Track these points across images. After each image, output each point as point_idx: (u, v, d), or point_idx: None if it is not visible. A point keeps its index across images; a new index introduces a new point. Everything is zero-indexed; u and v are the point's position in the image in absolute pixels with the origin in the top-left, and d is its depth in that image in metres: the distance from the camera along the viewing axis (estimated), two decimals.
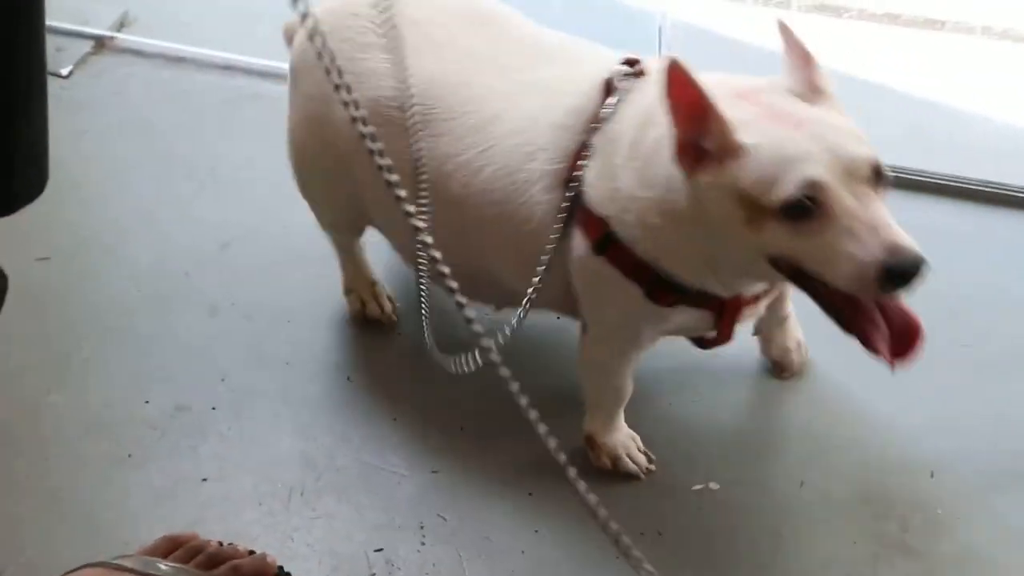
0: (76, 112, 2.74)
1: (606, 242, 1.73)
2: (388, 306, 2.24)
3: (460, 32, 1.89)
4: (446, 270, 1.20)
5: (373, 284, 2.25)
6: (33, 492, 1.97)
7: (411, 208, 1.19)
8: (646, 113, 1.68)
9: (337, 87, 1.19)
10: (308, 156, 2.04)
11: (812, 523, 1.95)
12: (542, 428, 1.19)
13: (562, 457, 1.23)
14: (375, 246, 2.22)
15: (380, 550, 1.91)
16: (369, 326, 2.24)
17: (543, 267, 1.76)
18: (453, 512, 1.96)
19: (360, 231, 2.17)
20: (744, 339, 2.14)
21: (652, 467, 2.03)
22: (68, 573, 1.62)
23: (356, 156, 1.88)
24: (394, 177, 1.18)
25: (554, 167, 1.76)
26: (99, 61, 2.91)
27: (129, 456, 2.03)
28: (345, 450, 2.05)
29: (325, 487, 1.99)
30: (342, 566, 1.88)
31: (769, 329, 2.15)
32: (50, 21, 2.85)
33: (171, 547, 1.71)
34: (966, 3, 3.02)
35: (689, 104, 1.56)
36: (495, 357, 1.16)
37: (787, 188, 1.54)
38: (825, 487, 2.00)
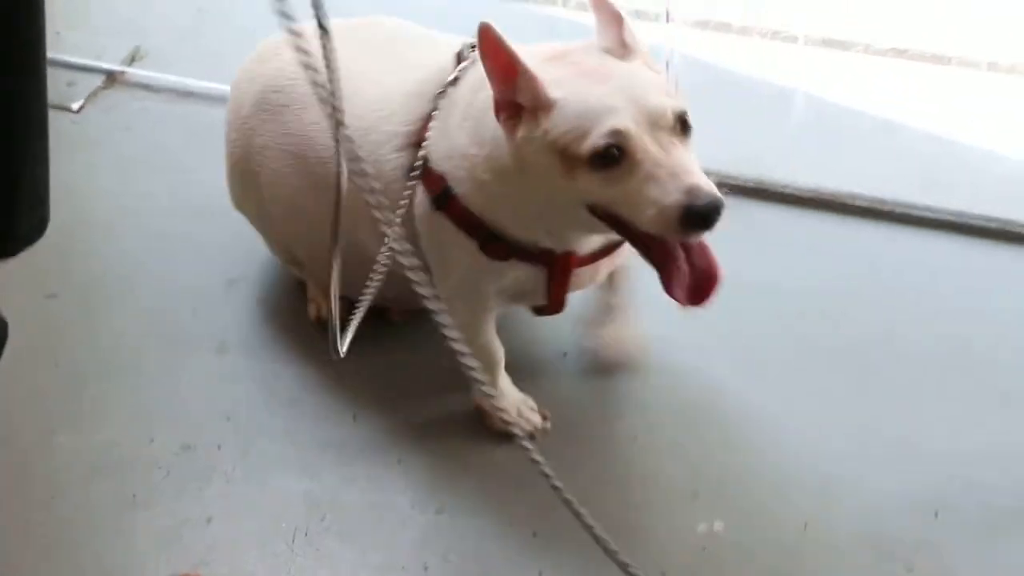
0: (86, 147, 2.74)
1: (444, 197, 1.85)
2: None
3: (360, 41, 2.05)
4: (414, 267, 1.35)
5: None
6: (40, 534, 1.96)
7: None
8: (480, 78, 1.78)
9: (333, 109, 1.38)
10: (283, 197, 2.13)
11: (817, 566, 1.93)
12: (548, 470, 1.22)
13: (573, 501, 1.26)
14: None
15: None
16: (376, 366, 2.22)
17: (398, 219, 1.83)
18: (457, 553, 1.95)
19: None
20: (760, 388, 2.14)
21: (548, 425, 2.10)
22: None
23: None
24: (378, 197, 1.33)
25: (404, 128, 1.91)
26: (110, 96, 2.92)
27: (134, 496, 2.02)
28: (350, 490, 2.03)
29: (330, 527, 1.98)
30: None
31: (599, 316, 2.20)
32: (61, 55, 2.90)
33: None
34: (972, 38, 3.01)
35: (502, 65, 1.69)
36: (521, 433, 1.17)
37: (594, 138, 1.66)
38: (829, 528, 1.98)
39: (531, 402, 2.13)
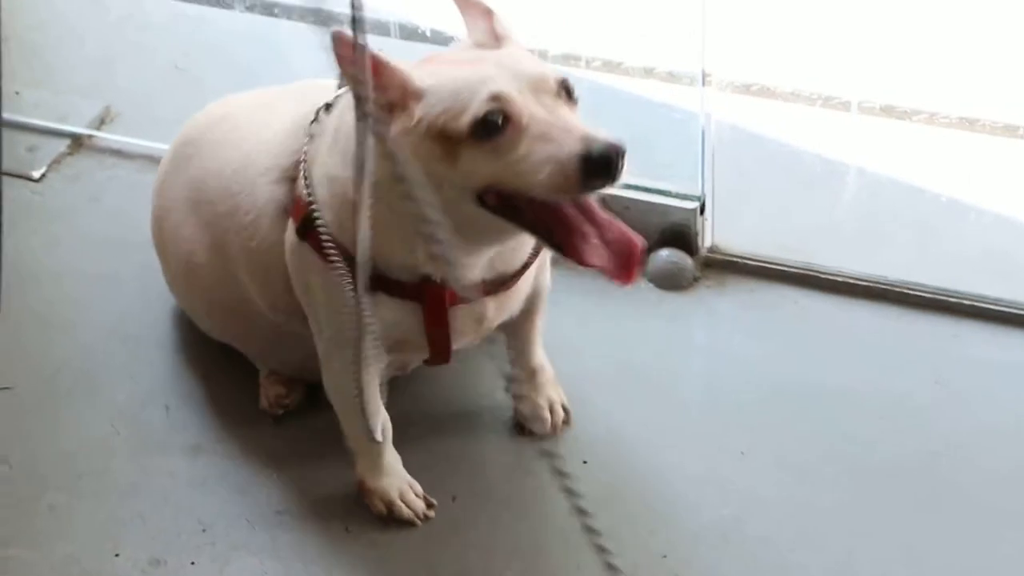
0: (48, 220, 2.79)
1: (306, 225, 1.97)
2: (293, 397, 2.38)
3: (288, 95, 2.26)
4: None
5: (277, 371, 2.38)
6: None
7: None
8: (347, 100, 1.91)
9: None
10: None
11: None
12: None
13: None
14: None
15: None
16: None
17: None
18: None
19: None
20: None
21: (431, 513, 2.21)
22: None
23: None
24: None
25: (280, 161, 2.07)
26: (76, 162, 2.97)
27: None
28: None
29: None
30: None
31: (520, 384, 2.32)
32: (23, 117, 2.96)
33: None
34: None
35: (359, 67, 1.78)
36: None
37: (473, 108, 1.78)
38: None
39: (418, 487, 2.23)
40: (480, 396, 2.42)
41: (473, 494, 2.25)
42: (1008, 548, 2.16)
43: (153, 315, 2.58)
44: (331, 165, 1.96)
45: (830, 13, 3.09)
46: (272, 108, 2.20)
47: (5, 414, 2.38)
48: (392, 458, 2.22)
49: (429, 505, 2.22)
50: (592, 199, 1.84)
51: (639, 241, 1.85)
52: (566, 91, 1.84)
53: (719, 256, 2.67)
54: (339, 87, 2.03)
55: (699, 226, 2.65)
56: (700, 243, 2.66)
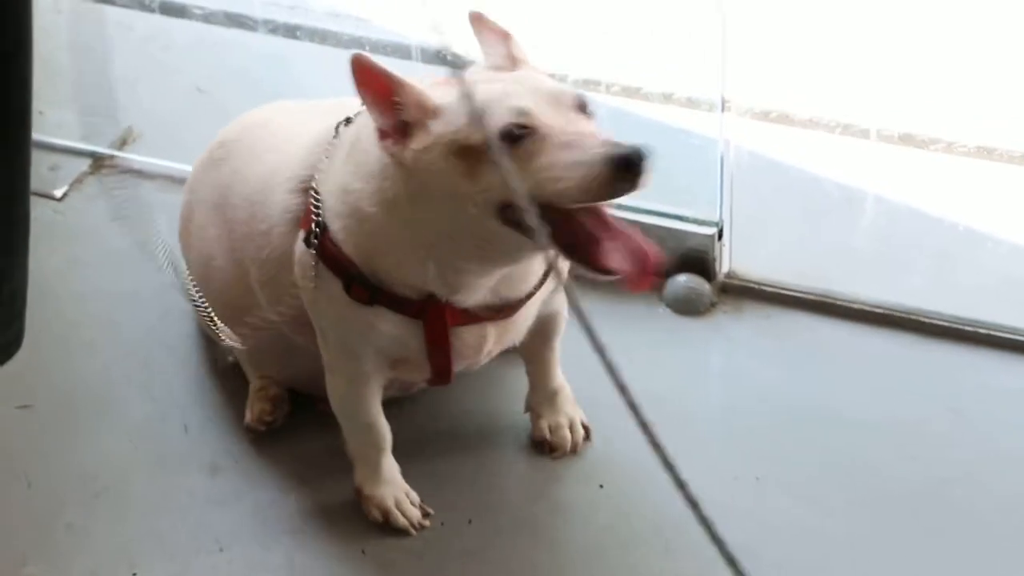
0: (69, 240, 2.81)
1: (314, 233, 2.01)
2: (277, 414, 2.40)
3: (320, 111, 2.28)
4: None
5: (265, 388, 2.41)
6: None
7: None
8: (365, 115, 1.97)
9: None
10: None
11: None
12: None
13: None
14: None
15: None
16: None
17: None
18: None
19: None
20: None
21: (427, 523, 2.25)
22: None
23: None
24: None
25: (297, 172, 2.10)
26: (97, 182, 2.99)
27: None
28: None
29: None
30: None
31: (538, 405, 2.35)
32: (45, 137, 2.99)
33: None
34: None
35: (379, 88, 1.87)
36: None
37: (496, 120, 1.81)
38: None
39: (414, 496, 2.26)
40: (496, 415, 2.43)
41: (489, 517, 2.26)
42: None
43: (173, 334, 2.59)
44: (344, 176, 2.00)
45: (850, 41, 3.10)
46: (305, 121, 2.24)
47: (25, 432, 2.40)
48: (390, 467, 2.25)
49: (425, 515, 2.25)
50: (607, 210, 1.88)
51: (654, 248, 1.89)
52: (582, 107, 1.88)
53: (736, 282, 2.68)
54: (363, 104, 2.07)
55: (717, 252, 2.66)
56: (718, 269, 2.67)
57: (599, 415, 2.38)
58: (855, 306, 2.63)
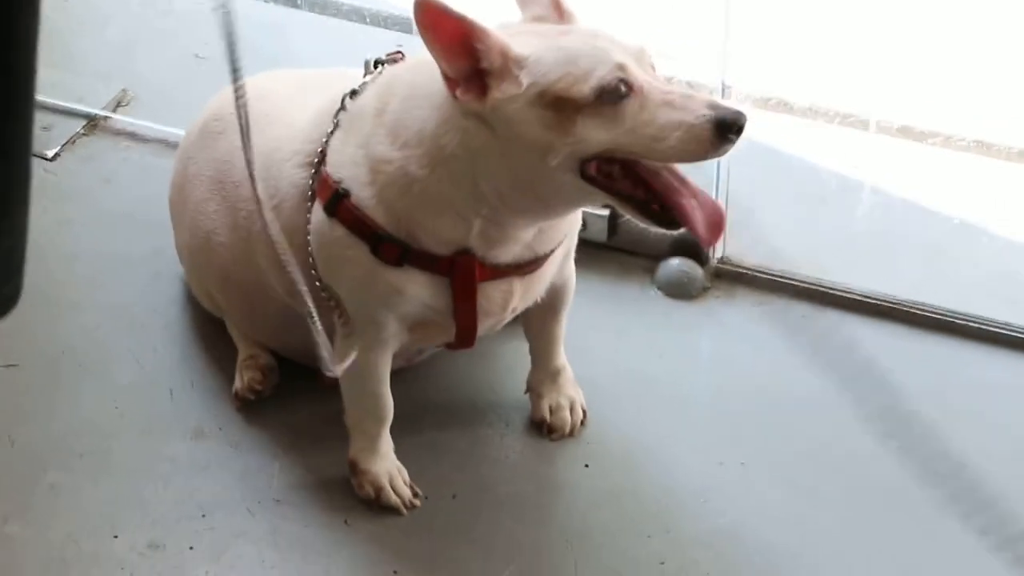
0: (60, 200, 2.81)
1: (335, 201, 2.00)
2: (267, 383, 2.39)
3: (313, 81, 2.30)
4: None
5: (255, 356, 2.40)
6: None
7: None
8: (387, 84, 2.01)
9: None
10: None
11: None
12: None
13: None
14: None
15: None
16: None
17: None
18: None
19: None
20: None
21: (417, 503, 2.23)
22: None
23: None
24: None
25: (306, 146, 2.08)
26: (90, 143, 2.99)
27: None
28: None
29: None
30: None
31: (540, 384, 2.35)
32: (40, 96, 2.94)
33: None
34: None
35: (452, 34, 1.81)
36: None
37: (600, 74, 1.80)
38: None
39: (406, 474, 2.25)
40: (485, 393, 2.43)
41: (475, 493, 2.26)
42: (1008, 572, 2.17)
43: (162, 298, 2.59)
44: (374, 145, 1.97)
45: (853, 31, 3.10)
46: (304, 94, 2.23)
47: (10, 391, 2.39)
48: (387, 442, 2.25)
49: (415, 494, 2.24)
50: (680, 169, 1.91)
51: (722, 206, 1.94)
52: (652, 64, 1.90)
53: (729, 267, 2.68)
54: (365, 75, 2.07)
55: None
56: (711, 254, 2.67)
57: (586, 395, 2.39)
58: (847, 295, 2.64)
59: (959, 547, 2.19)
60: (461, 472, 2.29)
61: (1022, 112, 3.08)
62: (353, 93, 2.04)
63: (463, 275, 2.01)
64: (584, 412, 2.37)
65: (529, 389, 2.37)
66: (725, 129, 1.80)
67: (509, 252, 2.02)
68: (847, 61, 3.07)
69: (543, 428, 2.35)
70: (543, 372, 2.35)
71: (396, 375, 2.21)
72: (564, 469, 2.32)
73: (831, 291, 2.64)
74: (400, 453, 2.26)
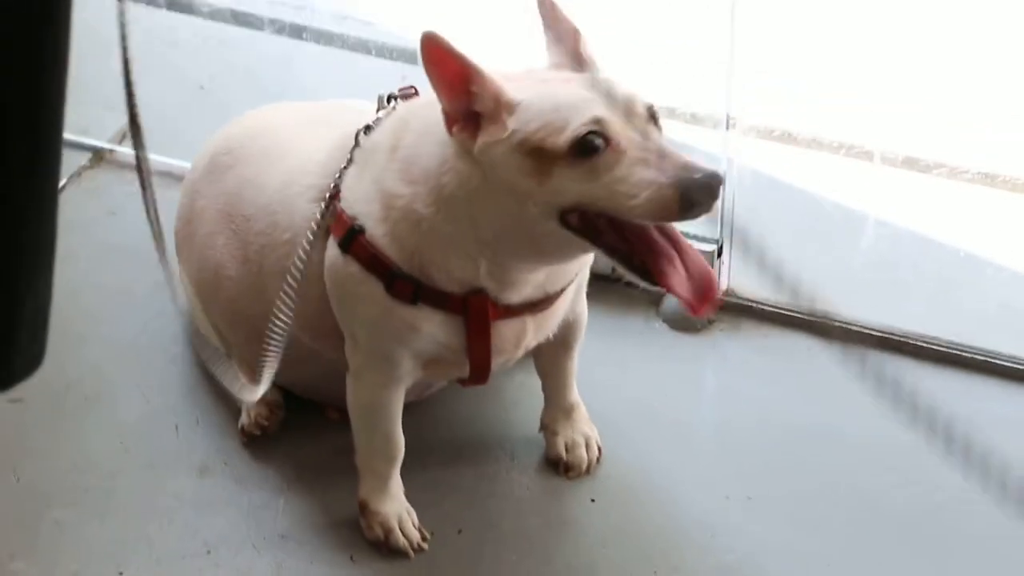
0: (65, 233, 2.69)
1: (350, 237, 2.00)
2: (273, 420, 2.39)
3: (319, 115, 2.32)
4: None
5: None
6: None
7: None
8: (401, 120, 2.01)
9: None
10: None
11: None
12: None
13: None
14: None
15: None
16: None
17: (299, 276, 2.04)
18: None
19: None
20: None
21: (424, 546, 2.21)
22: None
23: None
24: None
25: (321, 181, 2.08)
26: (96, 176, 2.99)
27: None
28: None
29: None
30: None
31: (554, 421, 2.33)
32: None
33: None
34: None
35: (452, 73, 1.84)
36: None
37: (574, 127, 1.80)
38: None
39: (415, 516, 2.24)
40: (498, 427, 2.44)
41: (480, 528, 2.26)
42: None
43: (167, 332, 2.59)
44: (386, 182, 1.98)
45: (857, 63, 3.10)
46: (314, 128, 2.23)
47: (15, 426, 2.39)
48: (398, 483, 2.24)
49: (423, 538, 2.22)
50: (676, 227, 1.89)
51: (714, 272, 1.92)
52: (653, 116, 1.88)
53: (734, 300, 2.68)
54: (378, 110, 2.07)
55: (716, 269, 2.65)
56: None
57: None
58: (851, 328, 2.61)
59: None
60: (467, 508, 2.29)
61: None
62: (367, 129, 2.05)
63: (477, 315, 2.01)
64: (599, 449, 2.35)
65: (543, 427, 2.36)
66: (694, 192, 1.77)
67: (521, 293, 2.02)
68: (852, 92, 3.06)
69: (559, 467, 2.34)
70: (557, 409, 2.34)
71: (404, 410, 2.21)
72: (570, 504, 2.32)
73: (834, 325, 2.63)
74: (406, 488, 2.25)
